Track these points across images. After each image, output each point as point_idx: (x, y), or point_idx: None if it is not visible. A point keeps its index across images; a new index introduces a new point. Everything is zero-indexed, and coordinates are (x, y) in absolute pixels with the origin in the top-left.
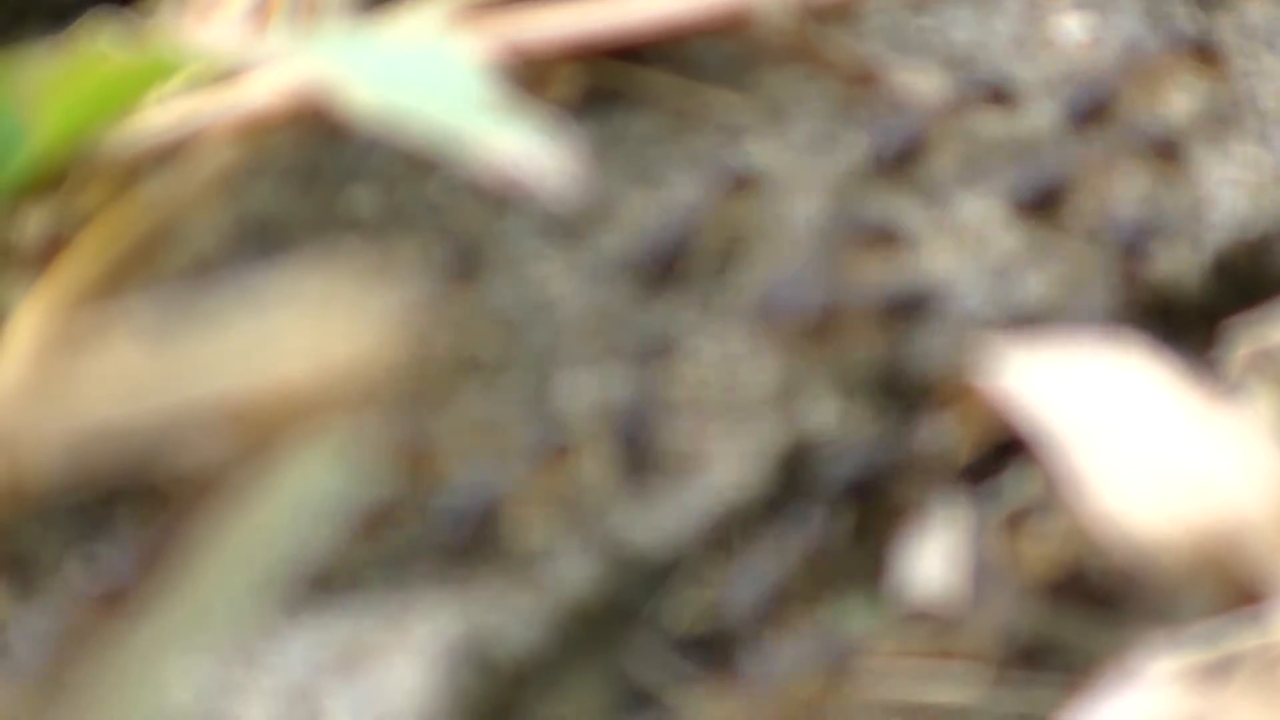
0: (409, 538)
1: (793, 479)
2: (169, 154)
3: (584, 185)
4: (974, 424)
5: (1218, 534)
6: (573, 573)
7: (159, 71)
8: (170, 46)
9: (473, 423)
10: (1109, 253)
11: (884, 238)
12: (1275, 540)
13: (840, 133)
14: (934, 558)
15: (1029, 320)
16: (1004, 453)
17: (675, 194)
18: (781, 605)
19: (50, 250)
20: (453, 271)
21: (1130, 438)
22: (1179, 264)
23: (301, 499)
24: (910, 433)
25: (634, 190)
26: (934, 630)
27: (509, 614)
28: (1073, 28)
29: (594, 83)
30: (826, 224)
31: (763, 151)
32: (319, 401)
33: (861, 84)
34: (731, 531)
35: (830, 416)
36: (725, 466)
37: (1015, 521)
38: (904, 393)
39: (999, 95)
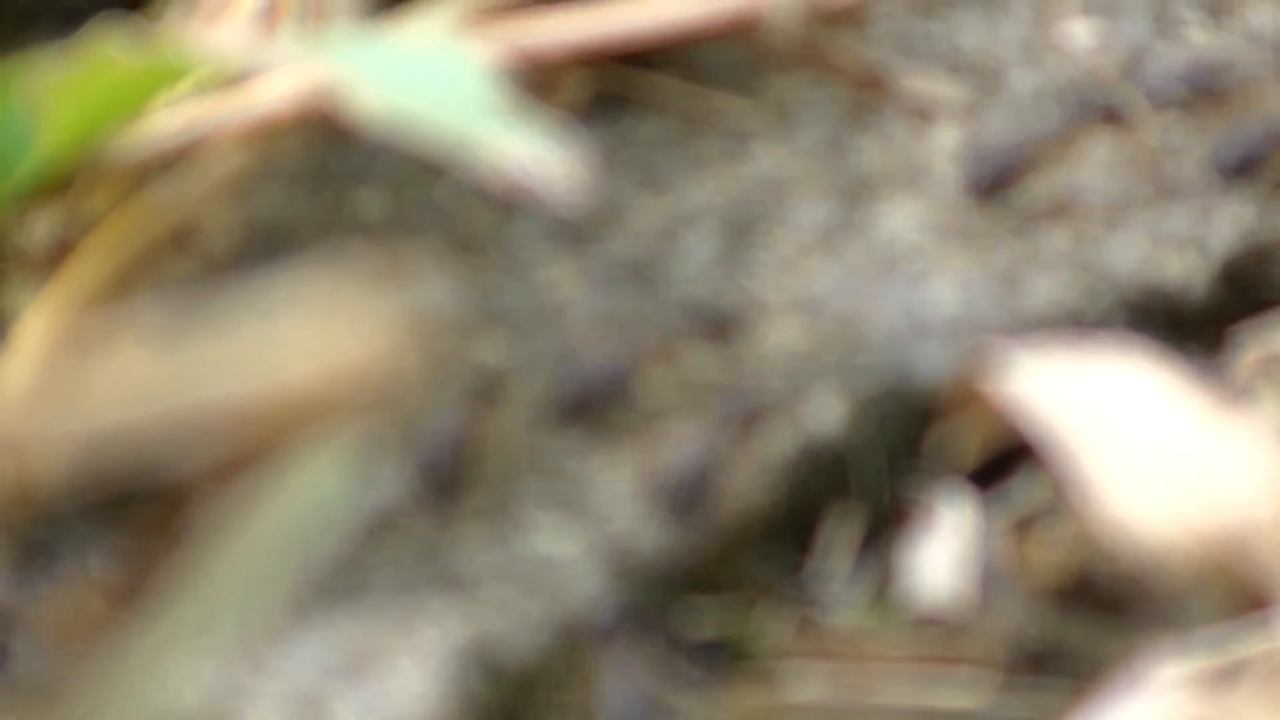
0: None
1: (800, 485)
2: (177, 158)
3: (592, 191)
4: (981, 429)
5: (1225, 539)
6: (582, 579)
7: (167, 76)
8: (178, 50)
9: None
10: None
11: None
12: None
13: (848, 138)
14: (941, 563)
15: (1037, 326)
16: (1011, 458)
17: (683, 199)
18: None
19: (58, 253)
20: (460, 276)
21: (1138, 443)
22: (1186, 270)
23: (309, 502)
24: (917, 437)
25: (642, 195)
26: (941, 635)
27: (516, 619)
28: (1080, 33)
29: (602, 87)
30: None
31: (770, 156)
32: (327, 405)
33: (869, 89)
34: (741, 536)
35: (838, 421)
36: (734, 472)
37: (1023, 527)
38: (911, 398)
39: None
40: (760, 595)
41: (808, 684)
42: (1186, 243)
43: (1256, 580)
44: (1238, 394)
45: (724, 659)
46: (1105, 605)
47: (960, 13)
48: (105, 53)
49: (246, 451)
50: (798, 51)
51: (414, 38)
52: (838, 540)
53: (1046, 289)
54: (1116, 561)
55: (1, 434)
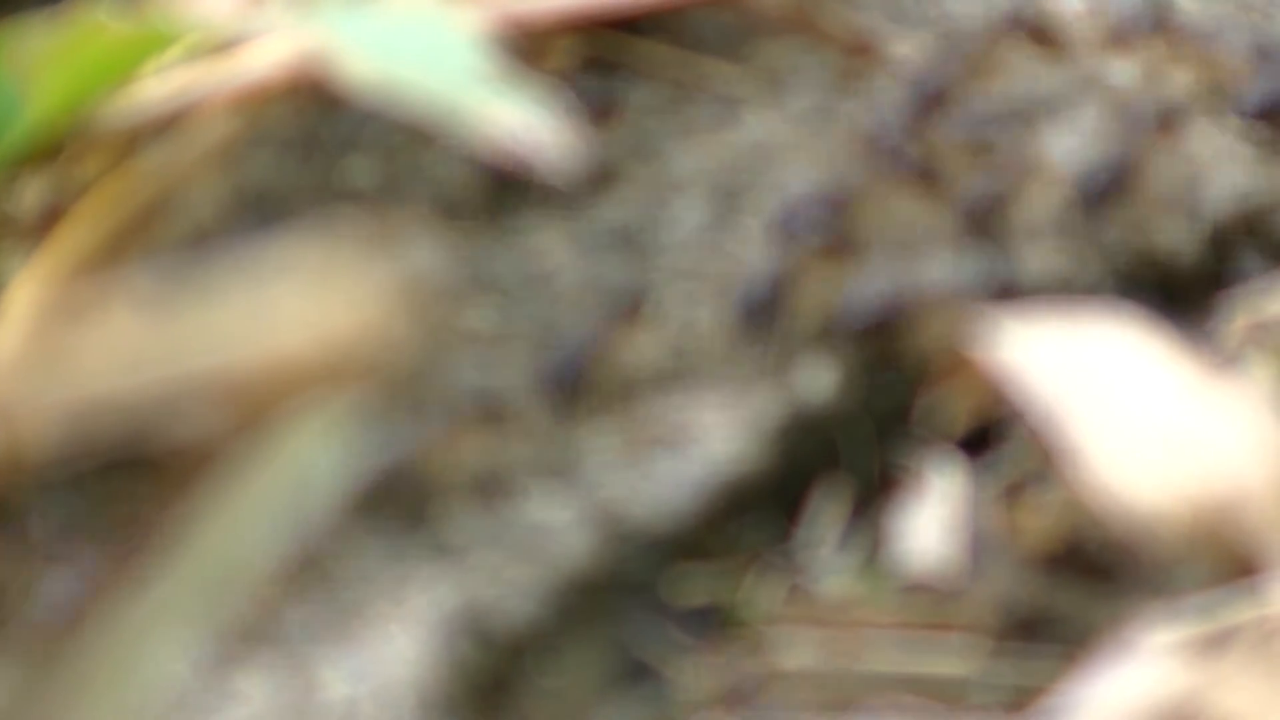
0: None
1: (789, 451)
2: (167, 125)
3: (581, 157)
4: (970, 396)
5: (1215, 505)
6: (570, 544)
7: (156, 42)
8: (166, 17)
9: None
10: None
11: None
12: (1272, 512)
13: (837, 104)
14: (931, 529)
15: (1027, 291)
16: (1001, 425)
17: (672, 165)
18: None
19: (48, 220)
20: (450, 242)
21: (1128, 410)
22: (1176, 234)
23: (299, 470)
24: (907, 404)
25: (632, 161)
26: (931, 602)
27: (506, 586)
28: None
29: (592, 54)
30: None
31: (760, 123)
32: (317, 372)
33: (858, 55)
34: (728, 503)
35: (827, 389)
36: (721, 438)
37: (1012, 493)
38: (901, 364)
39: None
40: (750, 562)
41: (798, 650)
42: (1177, 206)
43: (1245, 547)
44: (1227, 360)
45: (714, 625)
46: (1094, 572)
47: None
48: (94, 20)
49: (238, 419)
50: (786, 18)
51: (403, 5)
52: (827, 507)
53: (1039, 254)
54: (1106, 528)
55: None
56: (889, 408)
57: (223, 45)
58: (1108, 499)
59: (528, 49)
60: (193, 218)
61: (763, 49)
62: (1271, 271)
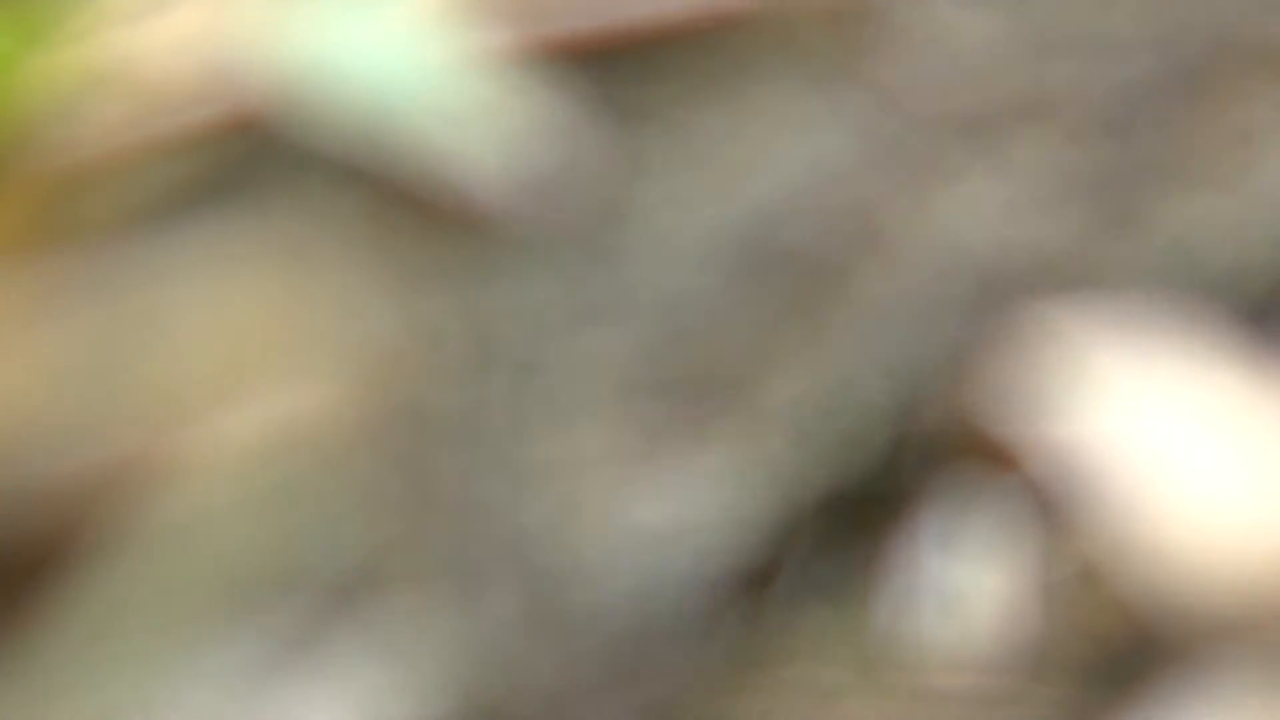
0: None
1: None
2: (94, 163)
3: (547, 204)
4: (991, 467)
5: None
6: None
7: (37, 39)
8: (50, 14)
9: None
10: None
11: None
12: None
13: (834, 128)
14: (985, 610)
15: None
16: (1029, 495)
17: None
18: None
19: None
20: (391, 294)
21: (1185, 471)
22: (1252, 249)
23: (238, 493)
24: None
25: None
26: (987, 675)
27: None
28: None
29: (587, 79)
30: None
31: (755, 149)
32: (243, 391)
33: (855, 84)
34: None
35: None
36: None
37: (1045, 574)
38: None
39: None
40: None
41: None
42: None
43: None
44: None
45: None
46: (1142, 667)
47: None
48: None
49: (166, 437)
50: (784, 47)
51: (379, 15)
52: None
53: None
54: (1158, 620)
55: None
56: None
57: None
58: (1161, 586)
59: (516, 72)
60: (109, 256)
61: (759, 77)
62: None
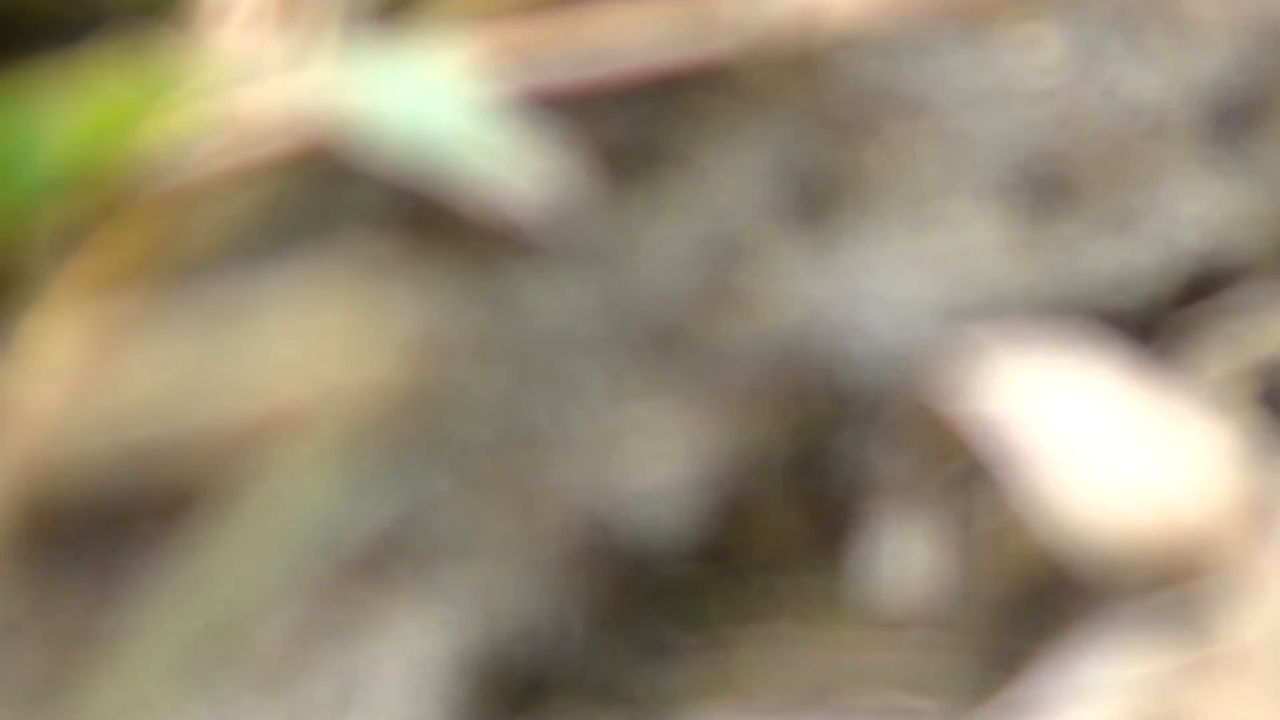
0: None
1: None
2: (180, 184)
3: (577, 224)
4: (931, 438)
5: (1175, 547)
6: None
7: (161, 92)
8: (174, 72)
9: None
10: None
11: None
12: (1229, 548)
13: (831, 178)
14: (898, 567)
15: (990, 316)
16: (962, 463)
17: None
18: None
19: (60, 267)
20: (454, 298)
21: (1091, 453)
22: (1135, 259)
23: (310, 502)
24: (868, 444)
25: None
26: (898, 636)
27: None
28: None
29: (582, 121)
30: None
31: (745, 198)
32: (327, 414)
33: (839, 130)
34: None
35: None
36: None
37: (977, 532)
38: (858, 404)
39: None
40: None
41: (773, 684)
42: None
43: (1203, 585)
44: (1196, 399)
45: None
46: (1057, 608)
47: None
48: (104, 69)
49: (241, 465)
50: (770, 93)
51: (415, 63)
52: (799, 544)
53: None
54: (1067, 568)
55: (15, 445)
56: (850, 444)
57: (230, 95)
58: (1069, 541)
59: (535, 111)
60: (199, 266)
61: (743, 123)
62: (1232, 291)
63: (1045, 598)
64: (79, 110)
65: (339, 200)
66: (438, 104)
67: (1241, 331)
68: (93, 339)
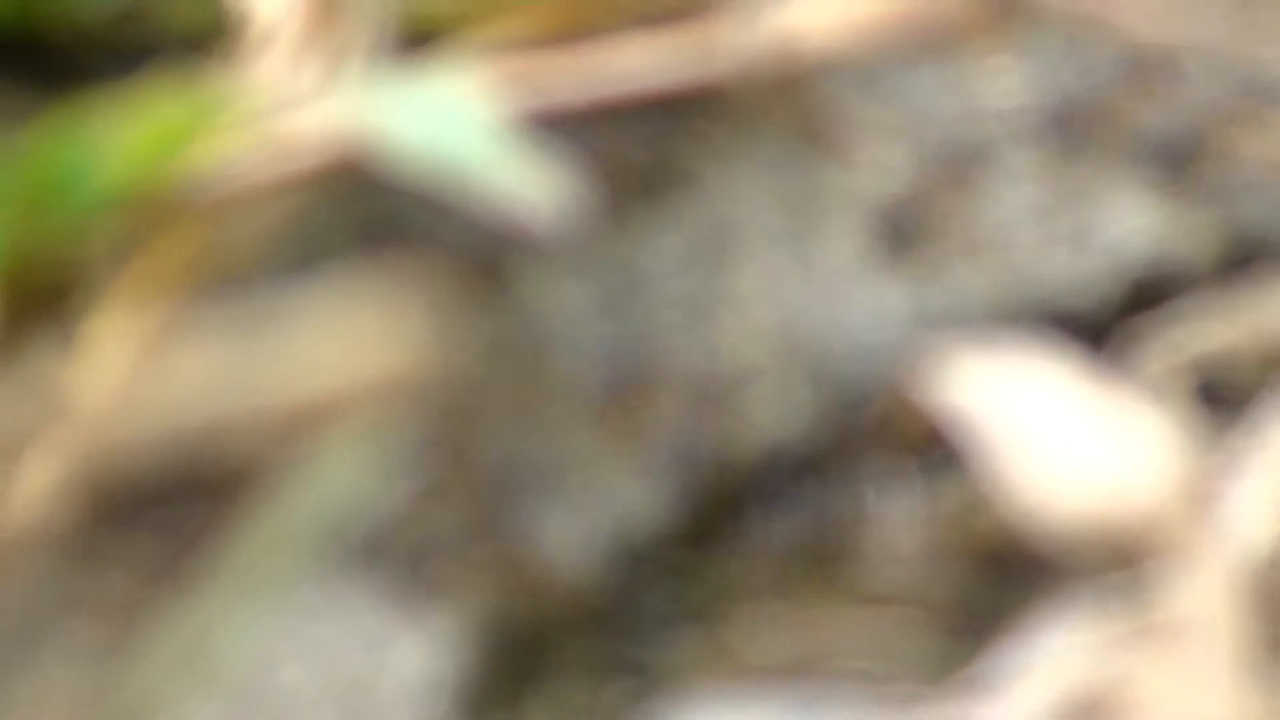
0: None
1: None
2: (222, 197)
3: (591, 233)
4: (907, 426)
5: (1122, 525)
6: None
7: (206, 120)
8: (217, 97)
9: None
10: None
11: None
12: (1168, 527)
13: (816, 193)
14: (873, 545)
15: (959, 321)
16: (941, 455)
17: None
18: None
19: (116, 274)
20: (477, 298)
21: (1047, 441)
22: (1085, 269)
23: (341, 485)
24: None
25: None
26: (879, 607)
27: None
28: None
29: (584, 140)
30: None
31: (743, 211)
32: (356, 408)
33: (835, 148)
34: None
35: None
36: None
37: (950, 511)
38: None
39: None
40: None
41: (761, 649)
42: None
43: (1148, 559)
44: (1143, 396)
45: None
46: (1020, 584)
47: (914, 72)
48: (154, 96)
49: (285, 446)
50: (765, 113)
51: (435, 88)
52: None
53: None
54: (1029, 547)
55: (75, 435)
56: (837, 433)
57: (269, 119)
58: (1031, 521)
59: (550, 132)
60: (244, 271)
61: (742, 143)
62: (1179, 300)
63: (1009, 574)
64: (133, 133)
65: (367, 213)
66: (456, 124)
67: (1182, 333)
68: (145, 339)
